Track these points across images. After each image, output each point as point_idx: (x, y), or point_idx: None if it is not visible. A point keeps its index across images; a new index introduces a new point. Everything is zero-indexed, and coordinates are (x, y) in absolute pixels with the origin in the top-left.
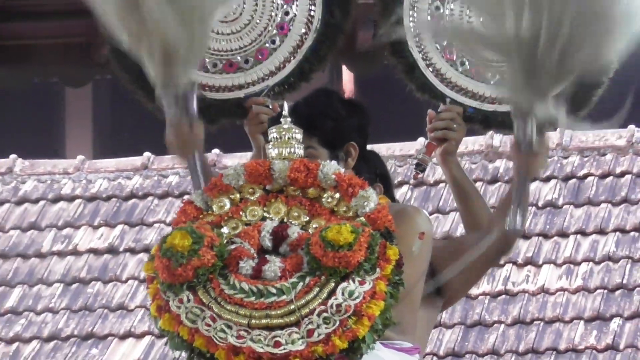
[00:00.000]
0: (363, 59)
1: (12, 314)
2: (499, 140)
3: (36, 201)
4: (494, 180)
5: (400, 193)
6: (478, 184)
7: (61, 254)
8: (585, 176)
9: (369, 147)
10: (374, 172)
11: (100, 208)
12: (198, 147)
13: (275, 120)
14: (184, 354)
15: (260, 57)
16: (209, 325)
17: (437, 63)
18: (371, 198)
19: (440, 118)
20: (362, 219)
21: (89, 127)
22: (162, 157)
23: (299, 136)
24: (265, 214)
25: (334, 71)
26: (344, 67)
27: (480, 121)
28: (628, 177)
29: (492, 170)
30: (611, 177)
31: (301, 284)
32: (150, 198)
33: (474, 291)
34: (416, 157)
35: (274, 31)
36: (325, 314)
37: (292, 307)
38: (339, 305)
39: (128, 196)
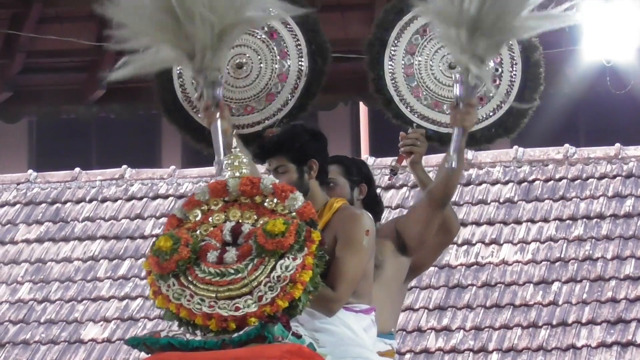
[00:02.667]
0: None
1: (123, 279)
2: (471, 154)
3: (140, 199)
4: (468, 183)
5: (400, 193)
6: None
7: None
8: (534, 180)
9: (363, 158)
10: (361, 176)
11: None
12: (222, 120)
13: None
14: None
15: (269, 99)
16: (189, 301)
17: (408, 98)
18: (298, 199)
19: (408, 137)
20: (294, 214)
21: (178, 145)
22: None
23: (245, 160)
24: (226, 218)
25: (352, 105)
26: (361, 103)
27: (437, 140)
28: (564, 181)
29: (466, 176)
30: (552, 182)
31: (251, 264)
32: None
33: (454, 262)
34: (390, 165)
35: (276, 80)
36: (269, 284)
37: (246, 281)
38: (279, 277)
39: None
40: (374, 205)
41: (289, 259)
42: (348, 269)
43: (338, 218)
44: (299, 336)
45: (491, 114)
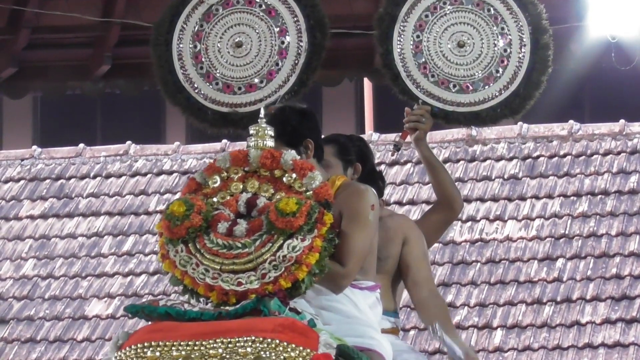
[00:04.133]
0: (379, 72)
1: (127, 255)
2: (475, 130)
3: (145, 174)
4: (472, 160)
5: (405, 169)
6: (460, 163)
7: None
8: (538, 157)
9: (364, 136)
10: (356, 154)
11: None
12: None
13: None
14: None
15: (270, 76)
16: (194, 269)
17: (415, 74)
18: (317, 178)
19: (413, 114)
20: (310, 193)
21: (183, 121)
22: (234, 143)
23: (271, 132)
24: (243, 188)
25: (357, 81)
26: (365, 79)
27: (442, 117)
28: (569, 157)
29: (470, 152)
30: (557, 158)
31: (259, 240)
32: None
33: (458, 239)
34: (394, 141)
35: (276, 57)
36: (274, 262)
37: (251, 257)
38: (284, 256)
39: None
40: (370, 182)
41: (297, 239)
42: (356, 243)
43: (342, 194)
44: (297, 312)
45: (497, 94)
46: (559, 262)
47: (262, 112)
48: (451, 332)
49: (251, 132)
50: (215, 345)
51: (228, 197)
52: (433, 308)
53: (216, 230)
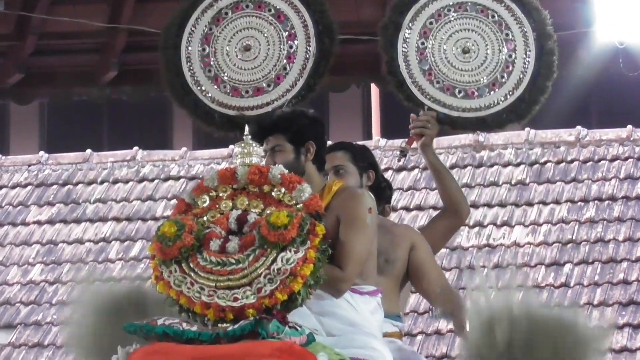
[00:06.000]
0: (386, 79)
1: (135, 261)
2: (483, 136)
3: (152, 180)
4: (479, 165)
5: (412, 175)
6: (468, 168)
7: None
8: (545, 162)
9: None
10: (367, 161)
11: None
12: None
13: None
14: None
15: (277, 80)
16: (189, 288)
17: (420, 81)
18: (306, 190)
19: (419, 120)
20: (300, 206)
21: (190, 127)
22: None
23: (257, 149)
24: (233, 205)
25: (364, 87)
26: (373, 85)
27: (448, 123)
28: (576, 163)
29: (478, 158)
30: (564, 163)
31: (252, 255)
32: None
33: (465, 244)
34: (400, 147)
35: (284, 61)
36: (269, 276)
37: (245, 272)
38: (279, 269)
39: None
40: (380, 190)
41: (290, 251)
42: (354, 247)
43: (339, 198)
44: (297, 328)
45: (502, 99)
46: (566, 268)
47: (247, 129)
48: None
49: (237, 149)
50: None
51: (218, 216)
52: (449, 295)
53: (209, 248)
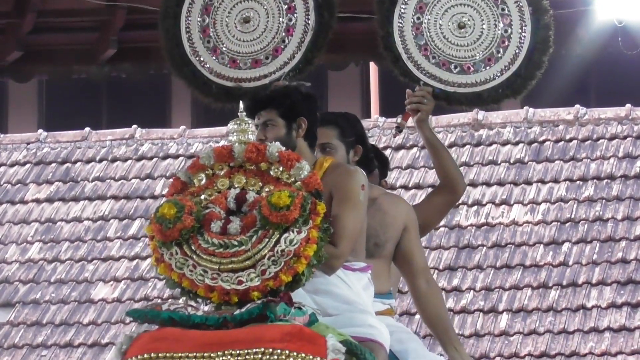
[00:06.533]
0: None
1: (133, 239)
2: (482, 115)
3: (150, 158)
4: (478, 144)
5: (411, 153)
6: (466, 147)
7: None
8: (544, 141)
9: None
10: (355, 135)
11: None
12: None
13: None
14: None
15: (276, 53)
16: (192, 271)
17: (415, 56)
18: (304, 168)
19: (415, 95)
20: (299, 184)
21: (189, 105)
22: None
23: (252, 127)
24: (230, 184)
25: (363, 65)
26: (371, 63)
27: (444, 98)
28: (575, 142)
29: (477, 137)
30: (563, 142)
31: (255, 236)
32: None
33: (464, 223)
34: (396, 122)
35: (283, 34)
36: (273, 258)
37: (249, 254)
38: (283, 251)
39: None
40: (368, 163)
41: (293, 232)
42: (347, 224)
43: (331, 175)
44: (300, 308)
45: (498, 74)
46: (565, 247)
47: (242, 105)
48: (454, 339)
49: (232, 126)
50: (223, 358)
51: (215, 194)
52: (432, 298)
53: (210, 229)
